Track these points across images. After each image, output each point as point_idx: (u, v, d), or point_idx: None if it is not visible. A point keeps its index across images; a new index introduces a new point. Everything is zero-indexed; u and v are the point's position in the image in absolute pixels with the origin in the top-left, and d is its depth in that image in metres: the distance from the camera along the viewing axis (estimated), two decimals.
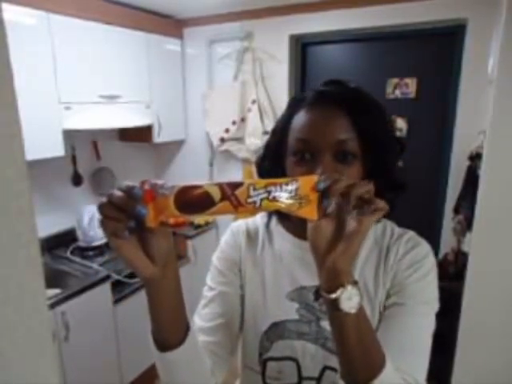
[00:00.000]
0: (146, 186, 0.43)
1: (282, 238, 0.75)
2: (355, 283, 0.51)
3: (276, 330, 0.71)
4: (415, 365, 0.60)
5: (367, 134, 0.61)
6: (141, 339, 2.53)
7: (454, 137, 2.07)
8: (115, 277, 2.01)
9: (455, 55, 2.04)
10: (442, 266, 1.98)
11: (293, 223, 0.73)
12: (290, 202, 0.46)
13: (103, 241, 2.25)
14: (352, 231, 0.49)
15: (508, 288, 1.47)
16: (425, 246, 0.69)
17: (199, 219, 2.66)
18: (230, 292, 0.74)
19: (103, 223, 0.44)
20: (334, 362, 0.56)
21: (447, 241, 2.13)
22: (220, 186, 0.43)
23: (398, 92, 2.23)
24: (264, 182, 0.45)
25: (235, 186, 0.44)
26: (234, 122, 2.46)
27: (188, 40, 2.65)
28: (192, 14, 2.51)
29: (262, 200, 0.44)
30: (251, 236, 0.78)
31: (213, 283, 0.75)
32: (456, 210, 1.97)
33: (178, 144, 2.84)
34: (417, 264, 0.66)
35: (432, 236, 2.23)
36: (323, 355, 0.68)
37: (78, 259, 2.12)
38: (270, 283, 0.73)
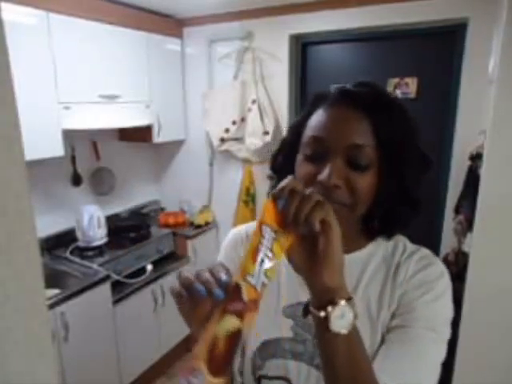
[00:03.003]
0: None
1: None
2: (349, 299, 0.47)
3: (268, 348, 0.67)
4: None
5: (388, 144, 0.56)
6: (140, 339, 2.52)
7: (455, 137, 2.07)
8: (115, 277, 2.01)
9: (456, 55, 2.04)
10: None
11: None
12: (276, 253, 0.47)
13: (103, 241, 2.25)
14: (324, 243, 0.46)
15: (508, 288, 1.47)
16: (439, 266, 0.63)
17: (199, 221, 2.67)
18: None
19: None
20: None
21: (448, 241, 2.12)
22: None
23: (398, 92, 2.23)
24: (243, 272, 0.47)
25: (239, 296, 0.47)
26: (234, 122, 2.46)
27: (188, 39, 2.65)
28: (192, 13, 2.51)
29: (265, 274, 0.47)
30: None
31: None
32: (456, 211, 1.97)
33: (177, 144, 2.84)
34: (427, 285, 0.60)
35: (432, 236, 2.23)
36: (318, 376, 0.64)
37: (77, 259, 2.12)
38: (265, 298, 0.71)
